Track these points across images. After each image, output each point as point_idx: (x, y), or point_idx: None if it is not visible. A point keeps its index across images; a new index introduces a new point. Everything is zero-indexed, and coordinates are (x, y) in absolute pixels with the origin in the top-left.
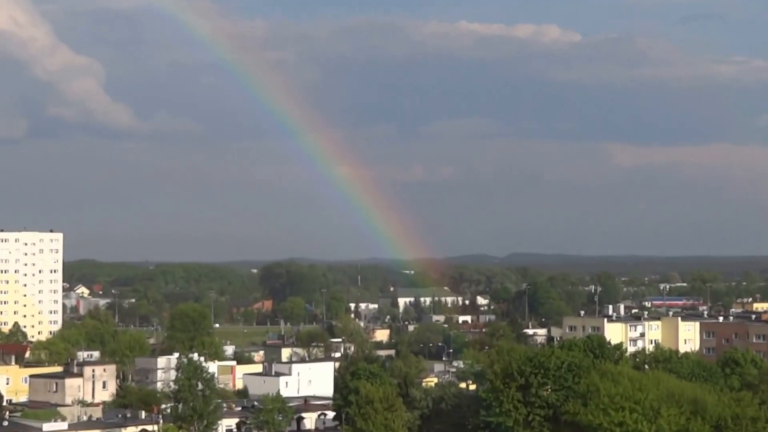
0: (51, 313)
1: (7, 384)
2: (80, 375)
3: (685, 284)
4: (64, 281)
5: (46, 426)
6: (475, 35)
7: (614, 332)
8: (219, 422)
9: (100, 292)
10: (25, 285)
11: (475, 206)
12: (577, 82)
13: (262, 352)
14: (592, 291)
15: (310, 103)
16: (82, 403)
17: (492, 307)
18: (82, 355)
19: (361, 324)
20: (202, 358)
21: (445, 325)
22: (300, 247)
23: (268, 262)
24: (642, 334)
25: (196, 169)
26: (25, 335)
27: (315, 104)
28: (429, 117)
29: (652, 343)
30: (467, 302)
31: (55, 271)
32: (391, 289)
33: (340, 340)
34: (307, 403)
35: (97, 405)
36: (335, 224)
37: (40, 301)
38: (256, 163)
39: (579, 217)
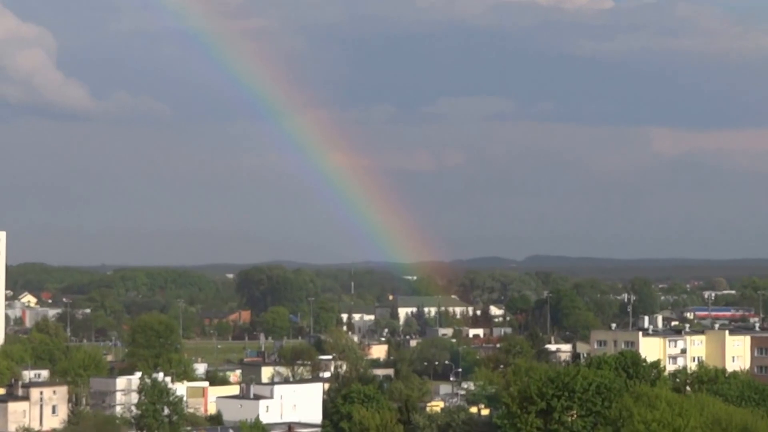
0: None
1: None
2: (26, 398)
3: (733, 292)
4: (6, 288)
5: None
6: (490, 0)
7: (651, 348)
8: None
9: (50, 301)
10: None
11: (489, 200)
12: (607, 56)
13: (238, 372)
14: (625, 300)
15: (295, 79)
16: (28, 431)
17: (508, 318)
18: (28, 374)
19: (355, 338)
20: (168, 379)
21: (454, 340)
22: (283, 248)
23: (246, 266)
24: (683, 351)
25: (161, 157)
26: None
27: (301, 80)
28: (435, 95)
29: (694, 360)
30: (479, 313)
31: None
32: (390, 297)
33: (330, 357)
34: (291, 431)
35: None
36: (325, 221)
37: None
38: (231, 150)
39: (610, 214)
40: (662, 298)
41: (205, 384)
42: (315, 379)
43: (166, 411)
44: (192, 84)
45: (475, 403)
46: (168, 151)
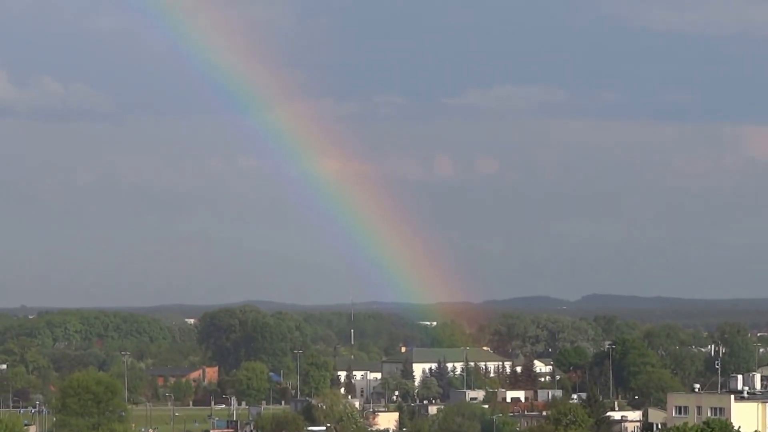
0: None
1: None
2: None
3: None
4: None
5: None
6: None
7: (746, 415)
8: None
9: None
10: None
11: (532, 222)
12: (685, 32)
13: None
14: (712, 353)
15: (273, 60)
16: None
17: (558, 377)
18: None
19: (356, 404)
20: None
21: (486, 406)
22: (260, 284)
23: (211, 308)
24: None
25: (98, 162)
26: None
27: (281, 62)
28: (460, 83)
29: None
30: (519, 370)
31: None
32: (403, 349)
33: (323, 429)
34: None
35: None
36: (314, 249)
37: None
38: (190, 154)
39: (691, 239)
40: (761, 350)
41: None
42: None
43: None
44: (137, 67)
45: None
46: (108, 155)
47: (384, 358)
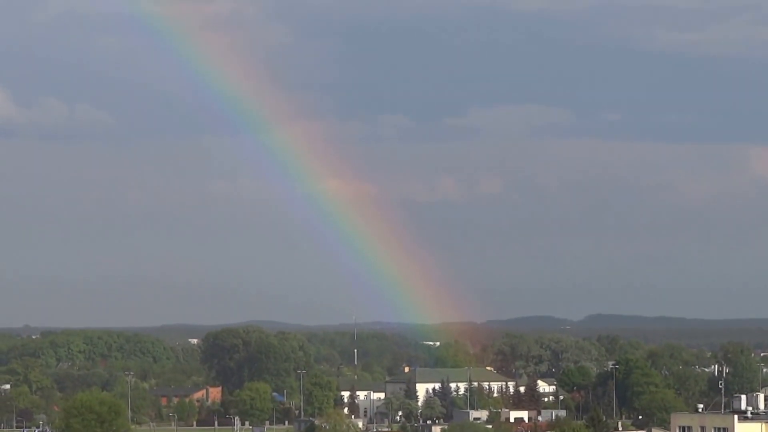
0: None
1: None
2: None
3: None
4: None
5: None
6: None
7: None
8: None
9: None
10: None
11: (536, 241)
12: (691, 52)
13: None
14: (715, 373)
15: (277, 81)
16: None
17: (561, 397)
18: None
19: (360, 424)
20: None
21: (489, 426)
22: (264, 304)
23: (215, 328)
24: None
25: (102, 183)
26: None
27: (285, 83)
28: (464, 103)
29: None
30: (523, 390)
31: None
32: (406, 369)
33: None
34: None
35: None
36: (318, 269)
37: None
38: (193, 173)
39: (695, 259)
40: (765, 370)
41: None
42: None
43: None
44: (143, 88)
45: None
46: (111, 174)
47: (387, 378)
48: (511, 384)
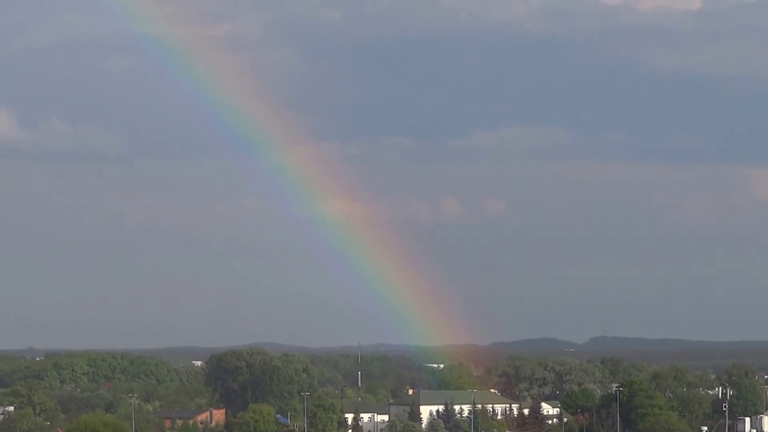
0: None
1: None
2: None
3: None
4: None
5: None
6: (539, 0)
7: None
8: None
9: None
10: None
11: (539, 263)
12: (693, 73)
13: None
14: (720, 395)
15: (283, 103)
16: None
17: (565, 419)
18: None
19: None
20: None
21: None
22: (268, 327)
23: (218, 350)
24: None
25: (106, 204)
26: None
27: (291, 105)
28: (467, 125)
29: None
30: (527, 412)
31: None
32: (410, 391)
33: None
34: None
35: None
36: (321, 291)
37: None
38: (197, 195)
39: (698, 281)
40: None
41: None
42: None
43: None
44: (147, 110)
45: None
46: (116, 196)
47: (391, 401)
48: (515, 406)
